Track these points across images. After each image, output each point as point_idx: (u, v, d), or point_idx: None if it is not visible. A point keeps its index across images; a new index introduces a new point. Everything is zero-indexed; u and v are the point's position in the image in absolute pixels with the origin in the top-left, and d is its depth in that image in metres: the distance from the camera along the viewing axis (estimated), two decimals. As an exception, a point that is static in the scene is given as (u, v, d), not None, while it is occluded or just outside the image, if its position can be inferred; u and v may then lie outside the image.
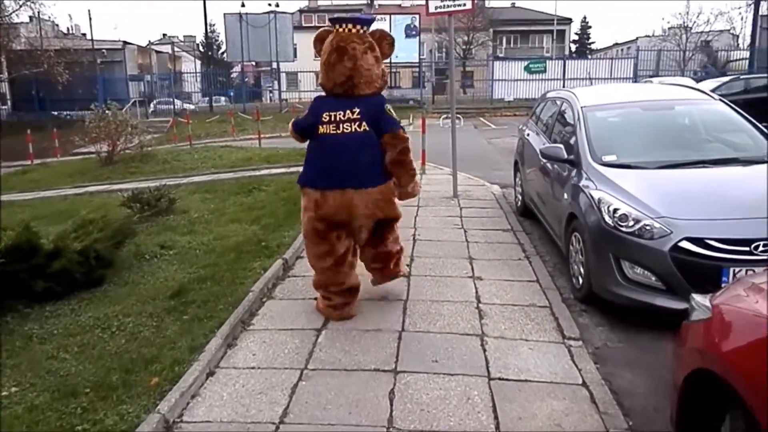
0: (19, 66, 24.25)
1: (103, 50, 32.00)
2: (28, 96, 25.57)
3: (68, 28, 66.25)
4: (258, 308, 4.33)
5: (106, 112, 13.99)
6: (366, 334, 3.86)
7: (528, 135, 6.96)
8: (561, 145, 5.07)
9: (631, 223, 3.95)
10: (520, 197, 7.20)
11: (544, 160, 5.53)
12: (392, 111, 4.15)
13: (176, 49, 60.34)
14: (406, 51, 29.52)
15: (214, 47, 47.52)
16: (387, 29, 24.55)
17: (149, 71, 47.99)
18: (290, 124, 4.43)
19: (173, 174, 12.15)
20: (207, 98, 31.12)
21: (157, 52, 58.24)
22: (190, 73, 38.24)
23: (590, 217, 4.27)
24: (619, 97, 5.77)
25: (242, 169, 12.11)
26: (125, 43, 46.45)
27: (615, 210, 4.06)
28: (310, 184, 4.11)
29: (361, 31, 4.07)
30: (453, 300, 4.42)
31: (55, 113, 24.65)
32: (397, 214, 4.32)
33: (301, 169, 4.31)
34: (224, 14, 27.74)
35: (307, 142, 4.22)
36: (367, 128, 3.95)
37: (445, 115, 23.47)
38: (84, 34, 63.58)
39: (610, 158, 4.66)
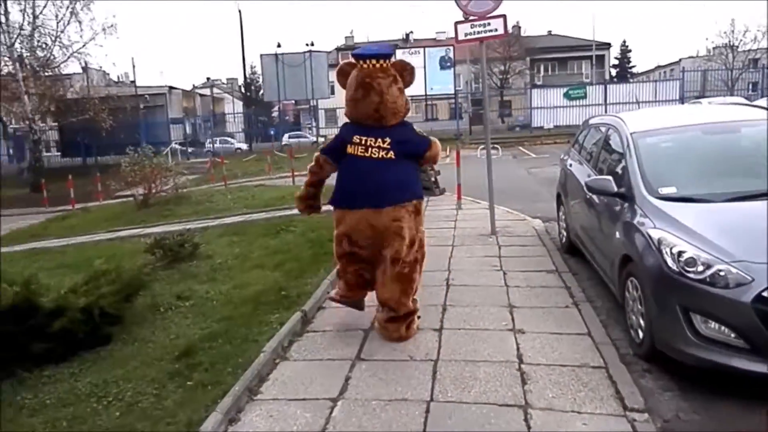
0: (67, 114, 25.17)
1: (146, 95, 33.10)
2: (75, 143, 26.46)
3: (118, 77, 69.53)
4: (269, 372, 3.85)
5: (141, 155, 14.10)
6: (388, 405, 3.31)
7: (571, 165, 6.37)
8: (609, 177, 4.48)
9: (701, 268, 3.32)
10: (565, 233, 6.58)
11: (590, 194, 4.94)
12: (417, 130, 4.49)
13: (219, 91, 62.31)
14: (441, 83, 29.41)
15: (253, 88, 48.68)
16: (422, 62, 24.48)
17: (194, 114, 49.65)
18: (316, 153, 4.64)
19: (205, 216, 12.01)
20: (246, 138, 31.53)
21: (201, 95, 60.25)
22: (230, 113, 39.05)
23: (649, 260, 3.66)
24: (673, 121, 5.14)
25: (274, 208, 11.85)
26: (171, 88, 48.33)
27: (680, 253, 3.44)
28: (337, 203, 4.35)
29: (384, 65, 4.22)
30: (491, 359, 3.83)
31: (100, 158, 25.36)
32: (420, 243, 4.40)
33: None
34: (261, 55, 28.32)
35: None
36: (393, 156, 4.17)
37: (482, 146, 22.94)
38: (133, 82, 66.67)
39: (669, 191, 4.04)
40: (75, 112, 24.27)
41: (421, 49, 29.28)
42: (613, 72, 61.67)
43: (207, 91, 60.52)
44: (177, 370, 3.95)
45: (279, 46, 28.21)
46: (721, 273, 3.25)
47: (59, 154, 28.72)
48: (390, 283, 4.23)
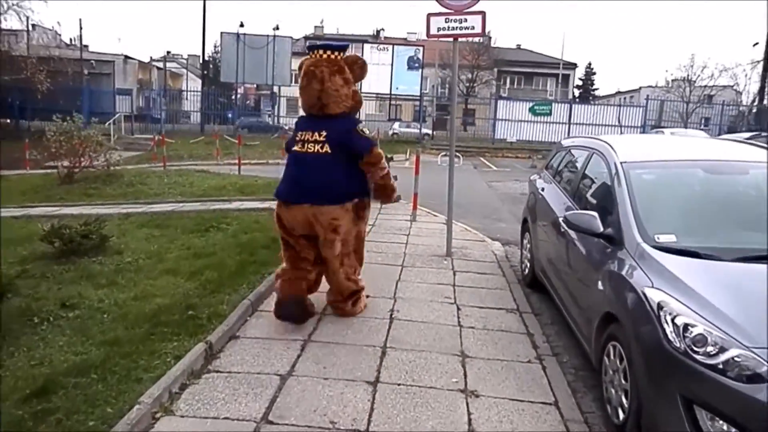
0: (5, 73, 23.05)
1: (92, 61, 30.88)
2: (7, 103, 24.23)
3: (71, 39, 65.73)
4: (143, 433, 2.90)
5: (69, 124, 12.69)
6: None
7: (543, 190, 5.64)
8: (594, 214, 3.73)
9: (712, 349, 2.59)
10: (529, 264, 5.85)
11: (566, 228, 4.19)
12: (365, 130, 4.37)
13: (178, 66, 59.61)
14: (407, 83, 28.61)
15: (211, 67, 46.79)
16: (389, 60, 23.61)
17: (148, 87, 47.00)
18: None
19: (134, 199, 10.80)
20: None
21: (159, 68, 57.47)
22: (188, 91, 37.01)
23: (642, 327, 2.90)
24: (668, 153, 4.45)
25: (211, 199, 10.75)
26: (126, 57, 45.58)
27: (686, 326, 2.69)
28: (278, 196, 4.45)
29: (333, 56, 4.33)
30: (434, 436, 3.00)
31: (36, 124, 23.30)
32: (357, 235, 4.56)
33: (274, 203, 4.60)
34: (221, 33, 26.75)
35: None
36: (329, 150, 4.21)
37: (444, 153, 22.31)
38: (86, 46, 63.02)
39: (667, 239, 3.31)
40: (9, 71, 22.22)
41: (390, 47, 28.39)
42: (576, 92, 62.59)
43: (167, 66, 57.85)
44: (19, 417, 2.95)
45: (242, 25, 26.67)
46: (739, 360, 2.51)
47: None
48: (331, 275, 4.49)
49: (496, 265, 6.50)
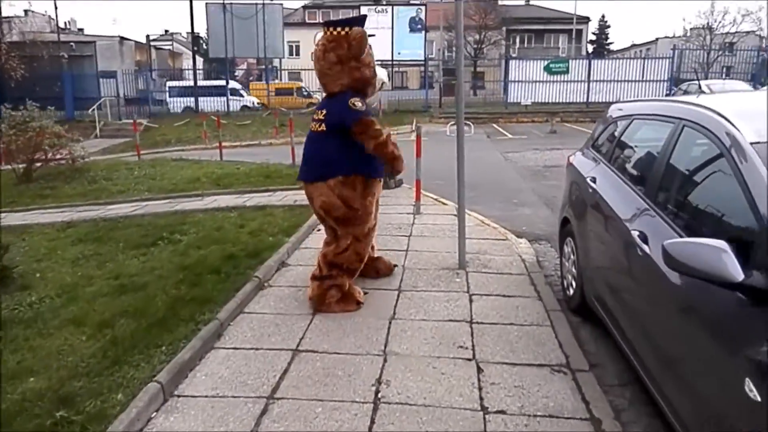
0: (-26, 59, 21.41)
1: (72, 43, 29.06)
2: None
3: (66, 23, 63.75)
4: None
5: (24, 115, 11.11)
6: None
7: (594, 181, 3.91)
8: (723, 245, 2.03)
9: None
10: (575, 282, 4.19)
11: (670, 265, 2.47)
12: (356, 104, 4.10)
13: (177, 45, 57.47)
14: (410, 47, 26.43)
15: (201, 42, 44.84)
16: (389, 23, 21.55)
17: (147, 67, 45.30)
18: None
19: (92, 200, 9.26)
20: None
21: (157, 48, 55.67)
22: (188, 69, 34.83)
23: None
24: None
25: (180, 195, 9.17)
26: (122, 38, 44.02)
27: None
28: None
29: (334, 33, 4.13)
30: None
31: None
32: (346, 215, 4.19)
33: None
34: (206, 4, 24.71)
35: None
36: (325, 128, 4.16)
37: (452, 122, 20.44)
38: (81, 29, 61.03)
39: None
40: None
41: (389, 9, 26.08)
42: (590, 48, 59.54)
43: (165, 45, 55.76)
44: None
45: (228, -6, 24.55)
46: None
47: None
48: (324, 245, 4.40)
49: (525, 278, 4.83)
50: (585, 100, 25.91)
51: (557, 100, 25.75)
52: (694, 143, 2.84)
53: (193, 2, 30.11)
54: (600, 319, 3.66)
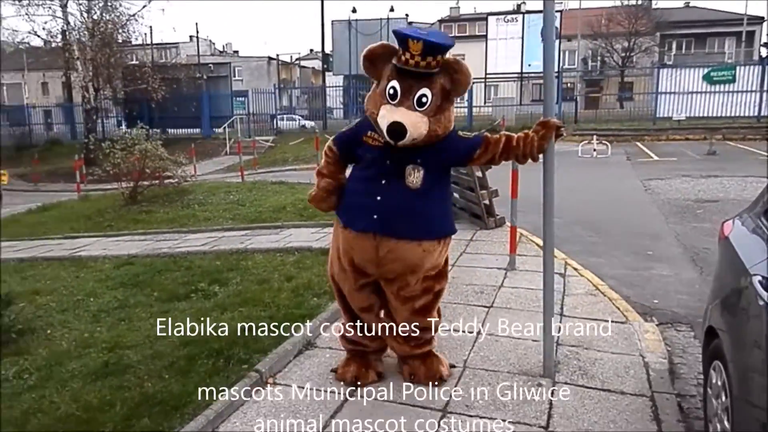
0: (126, 83, 23.40)
1: (210, 65, 30.92)
2: (135, 114, 24.70)
3: (223, 46, 69.66)
4: None
5: (132, 137, 11.33)
6: None
7: (767, 282, 2.25)
8: None
9: None
10: (725, 441, 2.51)
11: None
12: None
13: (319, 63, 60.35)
14: (542, 58, 24.26)
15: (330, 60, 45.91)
16: (519, 33, 19.86)
17: (291, 85, 48.56)
18: None
19: (177, 228, 8.96)
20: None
21: (302, 67, 59.03)
22: (331, 87, 35.69)
23: None
24: None
25: (260, 225, 8.53)
26: (270, 58, 48.00)
27: None
28: None
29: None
30: None
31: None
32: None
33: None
34: (332, 22, 24.81)
35: None
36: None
37: (586, 140, 18.12)
38: (236, 52, 66.33)
39: None
40: (129, 82, 22.40)
41: (519, 17, 24.16)
42: (764, 52, 51.79)
43: (308, 63, 58.84)
44: None
45: (354, 11, 24.33)
46: None
47: (125, 126, 27.34)
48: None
49: (645, 403, 3.17)
50: (756, 113, 21.89)
51: (719, 114, 22.04)
52: None
53: (325, 21, 30.86)
54: None
